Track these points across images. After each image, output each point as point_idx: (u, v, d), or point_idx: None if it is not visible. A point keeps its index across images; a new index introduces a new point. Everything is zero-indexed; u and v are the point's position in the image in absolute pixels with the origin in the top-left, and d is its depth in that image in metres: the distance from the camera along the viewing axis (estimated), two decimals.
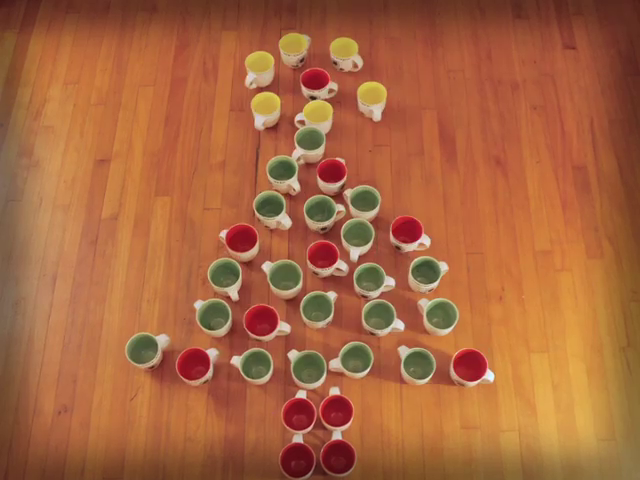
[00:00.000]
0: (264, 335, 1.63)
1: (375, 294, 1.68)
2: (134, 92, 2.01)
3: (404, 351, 1.61)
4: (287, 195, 1.84)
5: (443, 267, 1.69)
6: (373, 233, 1.72)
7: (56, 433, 1.60)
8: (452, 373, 1.61)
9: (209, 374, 1.60)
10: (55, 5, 2.16)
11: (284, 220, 1.77)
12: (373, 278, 1.70)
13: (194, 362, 1.62)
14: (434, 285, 1.69)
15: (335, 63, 1.99)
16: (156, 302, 1.73)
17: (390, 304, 1.65)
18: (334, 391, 1.59)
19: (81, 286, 1.75)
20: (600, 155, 1.90)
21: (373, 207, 1.76)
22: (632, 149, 1.90)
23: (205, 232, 1.81)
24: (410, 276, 1.68)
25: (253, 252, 1.73)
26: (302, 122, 1.88)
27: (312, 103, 1.89)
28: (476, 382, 1.59)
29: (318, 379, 1.59)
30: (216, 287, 1.68)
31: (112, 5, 2.16)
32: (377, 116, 1.91)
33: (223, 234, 1.73)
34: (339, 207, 1.75)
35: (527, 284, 1.74)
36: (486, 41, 2.07)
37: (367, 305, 1.66)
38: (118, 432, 1.60)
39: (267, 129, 1.93)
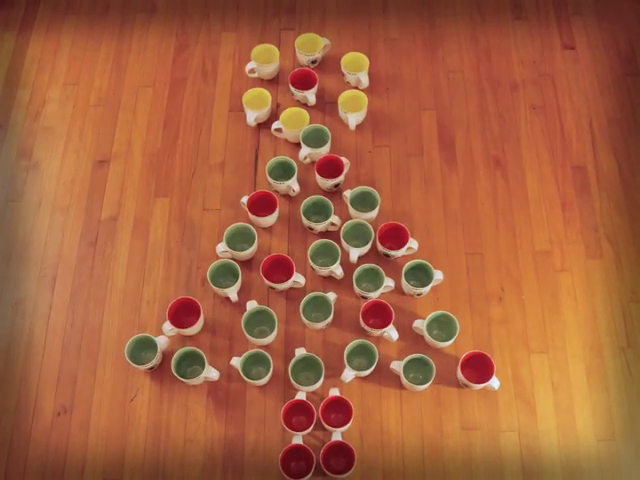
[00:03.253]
0: (279, 283, 1.66)
1: (375, 295, 1.68)
2: (133, 93, 2.01)
3: (398, 365, 1.60)
4: (286, 195, 1.84)
5: (437, 275, 1.68)
6: (373, 234, 1.72)
7: (56, 434, 1.60)
8: (459, 374, 1.61)
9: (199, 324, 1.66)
10: (54, 7, 2.16)
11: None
12: (372, 279, 1.70)
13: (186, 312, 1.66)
14: (425, 290, 1.68)
15: (343, 74, 1.99)
16: (155, 303, 1.72)
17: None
18: (334, 392, 1.59)
19: (81, 287, 1.75)
20: (599, 155, 1.90)
21: (372, 208, 1.76)
22: (631, 149, 1.90)
23: (204, 233, 1.80)
24: (403, 279, 1.68)
25: (274, 217, 1.77)
26: (279, 130, 1.88)
27: (289, 110, 1.89)
28: (482, 385, 1.58)
29: (316, 382, 1.59)
30: (215, 288, 1.68)
31: (111, 6, 2.16)
32: (352, 124, 1.89)
33: (244, 199, 1.76)
34: (334, 218, 1.75)
35: (527, 285, 1.74)
36: (485, 42, 2.08)
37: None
38: (118, 433, 1.60)
39: (267, 127, 1.93)
